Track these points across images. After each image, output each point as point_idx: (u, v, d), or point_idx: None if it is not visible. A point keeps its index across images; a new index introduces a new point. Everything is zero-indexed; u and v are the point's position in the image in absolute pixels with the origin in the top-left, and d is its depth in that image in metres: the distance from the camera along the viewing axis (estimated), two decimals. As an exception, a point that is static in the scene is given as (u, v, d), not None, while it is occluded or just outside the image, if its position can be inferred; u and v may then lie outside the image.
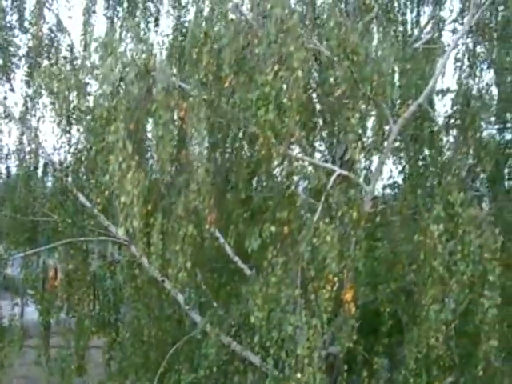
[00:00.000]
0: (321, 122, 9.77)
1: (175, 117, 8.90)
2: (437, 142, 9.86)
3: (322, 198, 9.52)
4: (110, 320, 12.40)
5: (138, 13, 12.49)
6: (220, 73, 8.55)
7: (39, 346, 12.38)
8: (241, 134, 8.91)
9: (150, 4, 13.11)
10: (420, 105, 9.98)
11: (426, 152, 10.55)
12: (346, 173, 9.81)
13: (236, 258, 11.21)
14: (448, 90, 11.29)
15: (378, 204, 10.75)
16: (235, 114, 8.50)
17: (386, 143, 10.14)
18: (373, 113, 10.16)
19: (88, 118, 9.11)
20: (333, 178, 9.73)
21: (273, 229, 8.93)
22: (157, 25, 13.28)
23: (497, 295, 8.90)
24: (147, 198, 8.24)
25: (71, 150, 11.87)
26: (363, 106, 9.13)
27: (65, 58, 11.98)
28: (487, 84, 11.60)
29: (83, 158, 10.41)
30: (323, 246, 8.90)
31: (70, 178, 11.87)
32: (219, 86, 8.53)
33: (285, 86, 8.20)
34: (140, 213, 8.03)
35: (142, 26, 12.57)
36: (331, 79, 8.74)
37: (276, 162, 8.46)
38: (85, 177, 11.91)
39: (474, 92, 11.45)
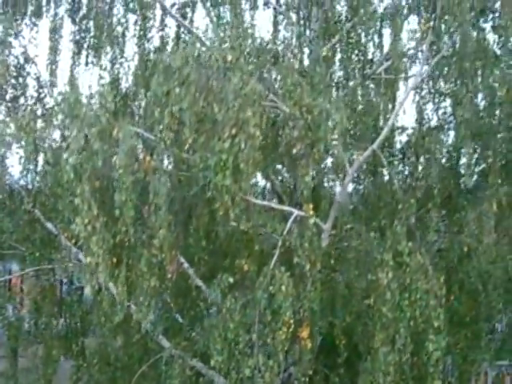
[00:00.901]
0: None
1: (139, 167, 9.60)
2: (388, 187, 10.67)
3: (279, 243, 10.33)
4: (78, 344, 13.14)
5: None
6: (181, 133, 9.25)
7: (7, 369, 13.11)
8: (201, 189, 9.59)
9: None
10: (374, 150, 10.82)
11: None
12: (303, 213, 10.56)
13: (200, 283, 11.93)
14: (404, 129, 12.10)
15: (336, 240, 11.57)
16: (195, 173, 9.23)
17: (342, 184, 10.97)
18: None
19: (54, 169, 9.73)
20: (291, 219, 10.54)
21: (231, 279, 9.73)
22: (122, 55, 13.93)
23: (441, 339, 9.83)
24: (113, 253, 8.97)
25: (37, 179, 12.52)
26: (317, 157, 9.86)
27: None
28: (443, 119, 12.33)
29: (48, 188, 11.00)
30: (279, 295, 9.72)
31: (37, 210, 12.47)
32: (180, 147, 9.23)
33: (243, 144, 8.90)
34: (105, 271, 8.77)
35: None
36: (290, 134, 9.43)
37: (232, 217, 9.20)
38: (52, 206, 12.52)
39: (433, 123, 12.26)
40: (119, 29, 14.16)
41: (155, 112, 9.48)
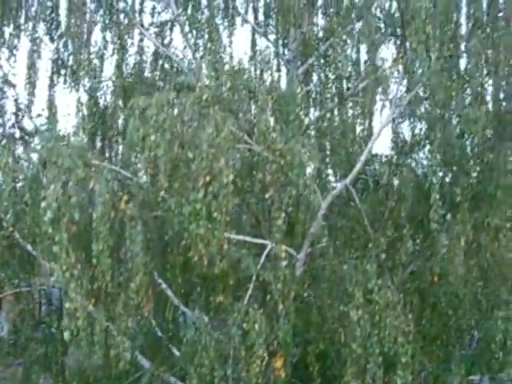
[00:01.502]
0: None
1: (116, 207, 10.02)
2: (360, 220, 11.16)
3: (253, 277, 10.83)
4: (57, 364, 13.61)
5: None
6: (156, 178, 9.67)
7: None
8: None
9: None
10: (346, 185, 11.30)
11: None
12: (278, 236, 11.02)
13: (179, 304, 12.42)
14: (378, 157, 12.55)
15: (309, 267, 12.07)
16: (170, 218, 9.67)
17: (316, 217, 11.43)
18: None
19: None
20: (265, 252, 11.03)
21: (206, 318, 10.23)
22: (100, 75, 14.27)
23: (408, 374, 10.40)
24: (90, 298, 9.43)
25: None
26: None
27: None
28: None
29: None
30: (252, 332, 10.24)
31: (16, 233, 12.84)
32: (156, 192, 9.66)
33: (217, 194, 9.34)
34: (83, 315, 9.24)
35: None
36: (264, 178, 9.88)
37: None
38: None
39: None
40: (97, 49, 14.48)
41: (131, 156, 9.86)
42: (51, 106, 14.46)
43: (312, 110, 14.75)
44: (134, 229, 9.43)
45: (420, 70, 9.85)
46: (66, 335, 9.25)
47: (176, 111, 9.79)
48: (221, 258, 9.96)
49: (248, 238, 11.26)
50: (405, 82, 11.40)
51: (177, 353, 12.30)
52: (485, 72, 10.05)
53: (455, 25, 9.82)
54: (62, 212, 9.20)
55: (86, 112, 14.15)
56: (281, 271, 10.80)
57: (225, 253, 10.04)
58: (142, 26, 14.68)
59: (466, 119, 9.91)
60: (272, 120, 10.38)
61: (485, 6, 9.94)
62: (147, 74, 14.44)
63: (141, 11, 14.47)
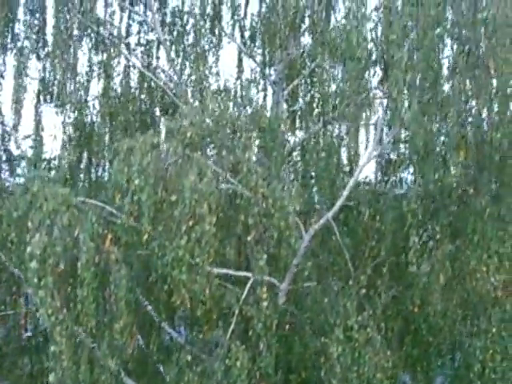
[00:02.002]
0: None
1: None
2: (341, 255, 11.49)
3: (236, 311, 11.17)
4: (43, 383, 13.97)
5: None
6: (140, 221, 9.96)
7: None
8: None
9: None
10: (328, 219, 11.61)
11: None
12: (259, 277, 11.35)
13: (164, 324, 12.75)
14: (361, 186, 12.84)
15: (292, 297, 12.40)
16: (153, 261, 9.98)
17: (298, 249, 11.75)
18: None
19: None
20: (248, 284, 11.35)
21: (189, 357, 10.57)
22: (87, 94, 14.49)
23: (387, 409, 10.81)
24: (75, 340, 9.76)
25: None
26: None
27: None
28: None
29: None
30: (234, 369, 10.59)
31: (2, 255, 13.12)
32: (139, 234, 9.96)
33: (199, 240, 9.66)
34: (68, 356, 9.57)
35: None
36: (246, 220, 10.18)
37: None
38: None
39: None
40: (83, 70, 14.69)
41: (116, 198, 10.15)
42: (38, 126, 14.67)
43: (297, 132, 15.05)
44: (119, 272, 9.73)
45: (400, 116, 10.12)
46: (52, 378, 9.57)
47: (160, 154, 10.02)
48: (204, 300, 10.25)
49: (231, 271, 11.56)
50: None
51: (163, 371, 12.64)
52: (465, 115, 10.32)
53: (435, 71, 10.06)
54: (47, 259, 9.48)
55: (72, 131, 14.31)
56: (263, 305, 11.09)
57: (207, 295, 10.34)
58: (128, 46, 14.87)
59: (445, 163, 10.20)
60: (255, 158, 10.63)
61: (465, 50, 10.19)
62: (133, 93, 14.55)
63: (127, 34, 14.60)
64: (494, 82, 10.07)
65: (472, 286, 11.11)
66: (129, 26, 14.68)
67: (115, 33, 13.98)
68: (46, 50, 15.04)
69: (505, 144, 9.96)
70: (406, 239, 11.03)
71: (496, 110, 9.86)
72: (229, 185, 10.66)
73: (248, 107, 15.64)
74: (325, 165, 12.21)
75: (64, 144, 14.20)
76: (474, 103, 10.12)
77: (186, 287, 9.61)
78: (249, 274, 11.51)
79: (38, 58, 15.08)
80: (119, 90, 14.49)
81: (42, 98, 14.94)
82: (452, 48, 10.14)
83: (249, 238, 10.32)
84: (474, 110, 10.20)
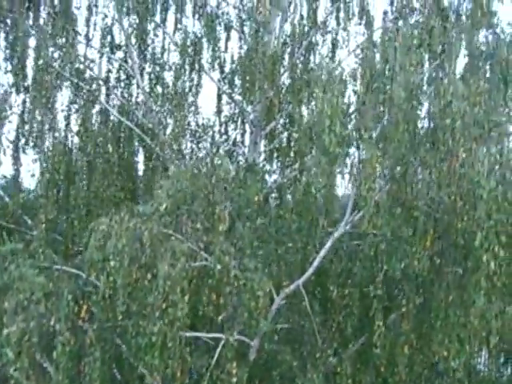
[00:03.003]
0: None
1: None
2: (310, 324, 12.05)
3: (207, 376, 11.74)
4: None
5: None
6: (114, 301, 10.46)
7: None
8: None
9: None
10: (299, 285, 12.14)
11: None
12: (231, 337, 11.88)
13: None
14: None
15: (263, 355, 12.96)
16: (127, 339, 10.50)
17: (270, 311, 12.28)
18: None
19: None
20: (219, 348, 11.88)
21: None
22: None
23: None
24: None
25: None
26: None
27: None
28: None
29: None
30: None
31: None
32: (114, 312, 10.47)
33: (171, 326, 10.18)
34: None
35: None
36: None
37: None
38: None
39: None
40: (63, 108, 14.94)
41: (92, 274, 10.61)
42: (16, 162, 14.98)
43: (273, 176, 15.48)
44: (93, 354, 10.24)
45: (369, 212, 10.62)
46: None
47: (136, 236, 10.46)
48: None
49: (202, 335, 12.08)
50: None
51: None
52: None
53: (405, 163, 10.51)
54: (23, 346, 9.96)
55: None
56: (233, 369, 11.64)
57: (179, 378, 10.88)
58: (108, 81, 15.10)
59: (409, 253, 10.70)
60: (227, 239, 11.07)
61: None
62: (111, 138, 14.79)
63: (107, 80, 14.84)
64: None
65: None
66: (108, 71, 14.87)
67: (94, 85, 14.19)
68: (26, 82, 15.21)
69: (468, 233, 10.44)
70: (371, 322, 11.54)
71: (460, 200, 10.30)
72: (202, 262, 11.11)
73: (226, 144, 16.07)
74: (297, 227, 12.64)
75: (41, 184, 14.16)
76: (441, 193, 10.55)
77: (158, 371, 10.12)
78: (220, 336, 12.04)
79: (18, 91, 15.27)
80: (97, 131, 14.67)
81: (20, 133, 15.15)
82: (421, 140, 10.54)
83: (219, 318, 10.81)
84: (440, 200, 10.63)
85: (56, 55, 13.84)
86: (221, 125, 15.94)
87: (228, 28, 16.13)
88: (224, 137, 15.98)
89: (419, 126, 10.53)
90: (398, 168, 10.29)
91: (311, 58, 15.89)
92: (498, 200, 9.91)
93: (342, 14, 15.73)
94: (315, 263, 12.07)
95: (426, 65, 11.62)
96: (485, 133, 10.20)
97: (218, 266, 10.91)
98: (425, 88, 11.11)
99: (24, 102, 15.25)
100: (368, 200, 10.34)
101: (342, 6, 15.66)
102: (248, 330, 12.07)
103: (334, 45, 15.89)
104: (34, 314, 10.08)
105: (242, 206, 12.01)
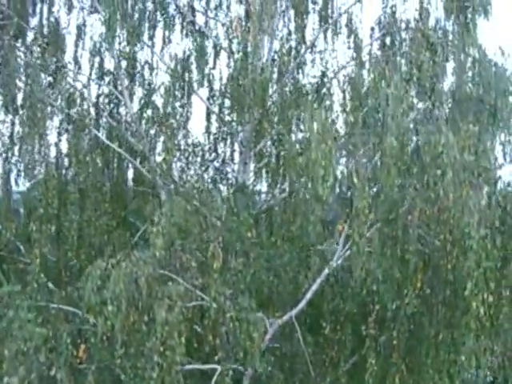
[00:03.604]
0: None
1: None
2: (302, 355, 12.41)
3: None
4: None
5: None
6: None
7: None
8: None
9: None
10: (292, 317, 12.48)
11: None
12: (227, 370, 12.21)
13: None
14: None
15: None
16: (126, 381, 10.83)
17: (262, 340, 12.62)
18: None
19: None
20: (214, 378, 12.23)
21: None
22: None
23: None
24: None
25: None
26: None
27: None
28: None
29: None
30: None
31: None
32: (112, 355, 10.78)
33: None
34: None
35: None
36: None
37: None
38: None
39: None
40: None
41: (90, 317, 10.89)
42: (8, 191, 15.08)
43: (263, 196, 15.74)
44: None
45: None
46: None
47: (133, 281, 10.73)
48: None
49: (198, 366, 12.41)
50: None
51: None
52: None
53: (397, 206, 10.83)
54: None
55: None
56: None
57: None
58: (97, 107, 15.22)
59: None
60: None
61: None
62: (103, 155, 14.87)
63: (97, 104, 14.92)
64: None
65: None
66: (98, 96, 14.98)
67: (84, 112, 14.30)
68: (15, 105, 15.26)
69: (458, 274, 10.81)
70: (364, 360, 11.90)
71: (450, 245, 10.65)
72: (198, 302, 11.41)
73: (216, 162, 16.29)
74: (289, 258, 12.94)
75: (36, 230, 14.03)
76: (431, 233, 10.90)
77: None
78: (216, 367, 12.37)
79: (7, 110, 15.31)
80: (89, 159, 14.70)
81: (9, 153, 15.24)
82: (411, 184, 10.85)
83: (216, 358, 11.14)
84: (430, 241, 10.98)
85: (48, 88, 13.88)
86: (210, 144, 16.13)
87: (216, 46, 16.24)
88: (214, 154, 16.18)
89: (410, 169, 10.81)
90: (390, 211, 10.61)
91: (300, 76, 16.07)
92: (487, 248, 10.26)
93: (329, 34, 15.88)
94: (308, 295, 12.39)
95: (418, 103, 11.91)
96: (474, 179, 10.50)
97: (214, 305, 11.21)
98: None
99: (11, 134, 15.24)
100: (360, 248, 10.66)
101: (329, 26, 15.82)
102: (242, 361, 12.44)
103: (323, 65, 16.05)
104: (34, 362, 10.32)
105: (234, 241, 12.26)
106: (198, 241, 11.90)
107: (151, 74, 15.72)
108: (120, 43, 14.64)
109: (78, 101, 14.37)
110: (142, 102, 15.44)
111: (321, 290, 12.47)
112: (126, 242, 13.91)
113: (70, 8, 14.94)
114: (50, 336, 10.62)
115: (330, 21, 15.89)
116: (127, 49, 14.96)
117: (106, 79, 14.96)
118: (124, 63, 14.92)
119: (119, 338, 10.69)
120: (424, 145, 10.40)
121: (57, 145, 14.44)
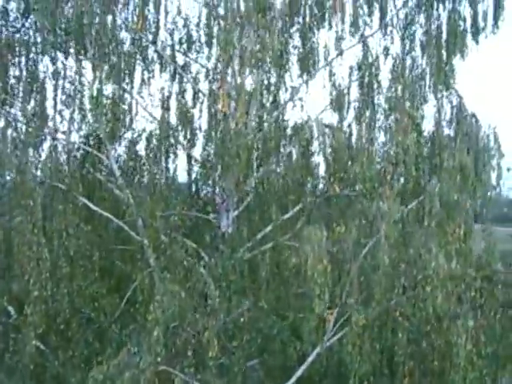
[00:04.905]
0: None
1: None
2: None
3: None
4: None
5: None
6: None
7: None
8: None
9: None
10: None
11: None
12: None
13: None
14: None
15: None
16: None
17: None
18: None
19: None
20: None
21: None
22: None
23: None
24: None
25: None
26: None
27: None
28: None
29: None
30: None
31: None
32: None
33: None
34: None
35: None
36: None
37: None
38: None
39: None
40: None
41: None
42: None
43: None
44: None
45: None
46: None
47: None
48: None
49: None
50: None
51: None
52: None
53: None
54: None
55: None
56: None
57: None
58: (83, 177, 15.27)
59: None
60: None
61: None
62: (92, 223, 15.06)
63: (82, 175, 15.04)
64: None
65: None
66: (83, 164, 15.12)
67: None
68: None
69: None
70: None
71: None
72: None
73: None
74: (278, 330, 13.57)
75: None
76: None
77: None
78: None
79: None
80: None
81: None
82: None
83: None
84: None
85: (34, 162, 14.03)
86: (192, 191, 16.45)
87: (196, 92, 16.39)
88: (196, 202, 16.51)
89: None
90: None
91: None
92: (473, 361, 10.99)
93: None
94: (299, 372, 13.10)
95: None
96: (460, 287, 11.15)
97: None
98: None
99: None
100: (354, 357, 11.30)
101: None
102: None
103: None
104: None
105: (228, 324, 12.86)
106: (194, 328, 12.46)
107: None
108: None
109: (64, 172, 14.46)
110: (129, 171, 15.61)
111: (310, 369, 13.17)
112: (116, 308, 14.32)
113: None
114: None
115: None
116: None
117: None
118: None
119: None
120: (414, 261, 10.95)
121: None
